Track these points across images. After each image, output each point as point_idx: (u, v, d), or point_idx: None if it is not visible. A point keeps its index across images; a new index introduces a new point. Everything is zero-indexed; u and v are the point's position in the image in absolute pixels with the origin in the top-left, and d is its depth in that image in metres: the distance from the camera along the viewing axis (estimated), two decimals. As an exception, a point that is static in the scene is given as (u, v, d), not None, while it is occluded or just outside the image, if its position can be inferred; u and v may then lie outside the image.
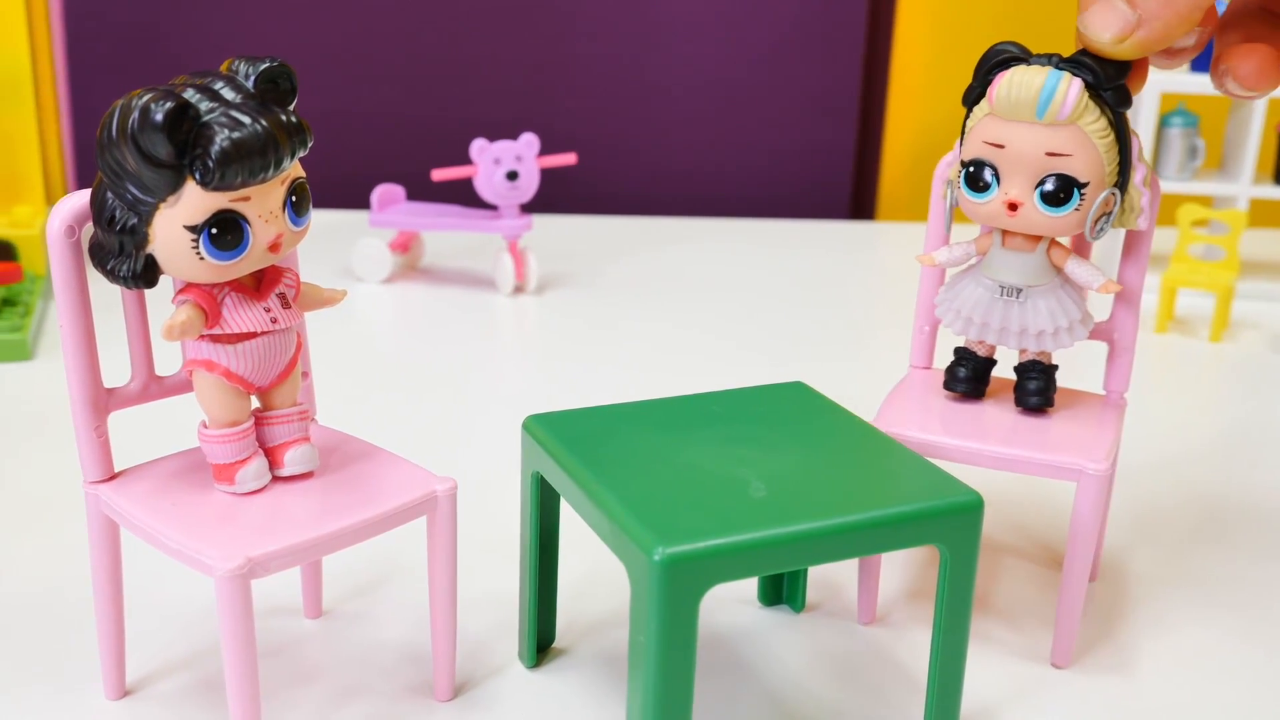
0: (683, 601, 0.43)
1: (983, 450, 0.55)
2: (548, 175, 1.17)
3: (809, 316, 1.09)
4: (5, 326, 0.91)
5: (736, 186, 1.53)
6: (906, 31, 1.50)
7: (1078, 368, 0.72)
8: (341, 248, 1.21)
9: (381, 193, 1.15)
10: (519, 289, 1.13)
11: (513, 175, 1.08)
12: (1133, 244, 0.59)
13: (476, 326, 1.05)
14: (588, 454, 0.49)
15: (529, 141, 1.09)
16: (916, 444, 0.56)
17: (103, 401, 0.49)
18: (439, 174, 1.10)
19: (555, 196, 1.46)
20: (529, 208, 1.35)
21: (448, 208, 1.15)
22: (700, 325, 1.06)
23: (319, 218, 1.37)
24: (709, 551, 0.43)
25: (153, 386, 0.51)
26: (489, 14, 1.45)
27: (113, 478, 0.50)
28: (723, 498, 0.46)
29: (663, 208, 1.50)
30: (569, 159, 1.13)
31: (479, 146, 1.08)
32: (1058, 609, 0.55)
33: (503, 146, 1.08)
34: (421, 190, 1.30)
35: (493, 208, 1.12)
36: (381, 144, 1.47)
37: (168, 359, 0.50)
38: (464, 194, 1.20)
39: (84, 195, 0.46)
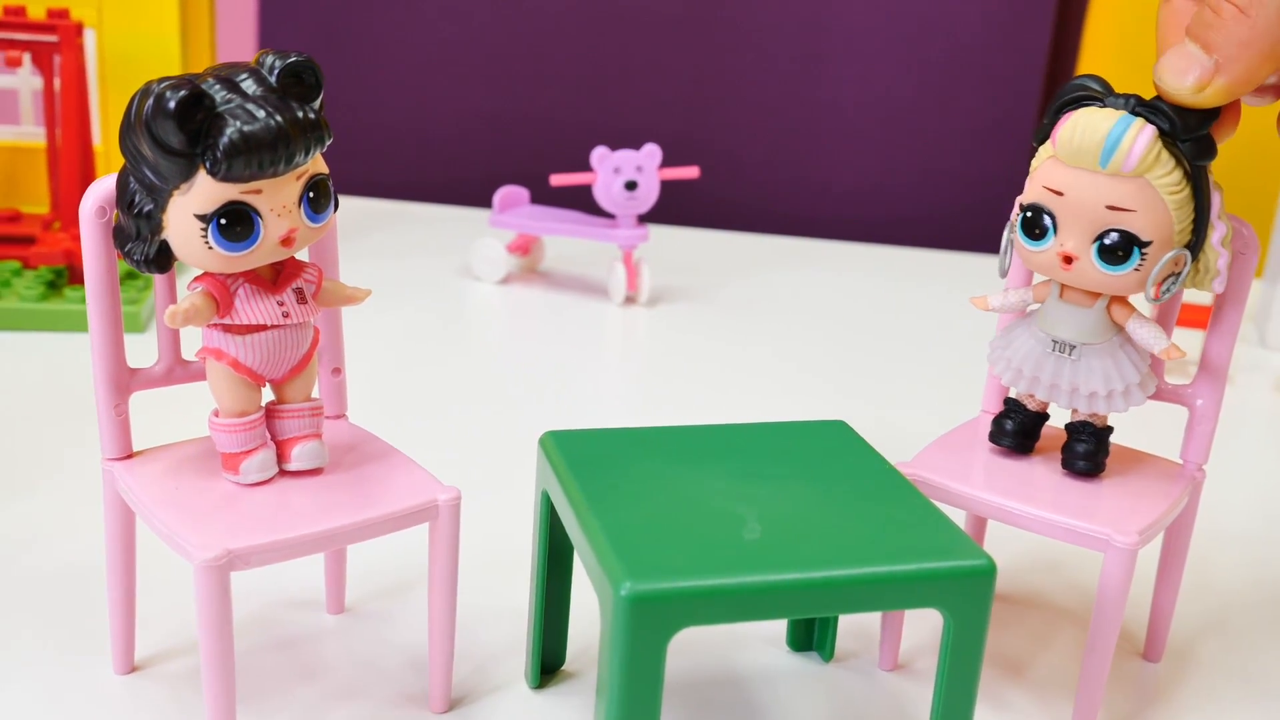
0: (648, 640, 0.41)
1: (1008, 507, 0.52)
2: (701, 186, 1.16)
3: (920, 355, 1.05)
4: (123, 299, 0.94)
5: (896, 212, 1.49)
6: (1092, 57, 1.43)
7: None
8: (463, 245, 1.22)
9: (504, 194, 1.15)
10: (630, 300, 1.12)
11: (631, 185, 1.07)
12: (1223, 309, 0.55)
13: (580, 334, 1.04)
14: (590, 477, 0.48)
15: (650, 152, 1.08)
16: (942, 492, 0.53)
17: (125, 381, 0.50)
18: (557, 179, 1.10)
19: (706, 210, 1.45)
20: (650, 217, 1.34)
21: (568, 213, 1.15)
22: (804, 352, 1.03)
23: (445, 213, 1.40)
24: (679, 592, 0.41)
25: (178, 370, 0.52)
26: (661, 24, 1.45)
27: (129, 456, 0.51)
28: (712, 536, 0.44)
29: (815, 229, 1.47)
30: (691, 172, 1.12)
31: (599, 154, 1.08)
32: (1079, 686, 0.52)
33: (623, 156, 1.08)
34: (554, 194, 1.30)
35: (612, 216, 1.12)
36: (532, 145, 1.48)
37: (196, 344, 0.51)
38: (593, 200, 1.20)
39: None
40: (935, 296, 1.22)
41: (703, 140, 1.46)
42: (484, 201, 1.42)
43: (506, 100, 1.48)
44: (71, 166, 0.98)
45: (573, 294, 1.14)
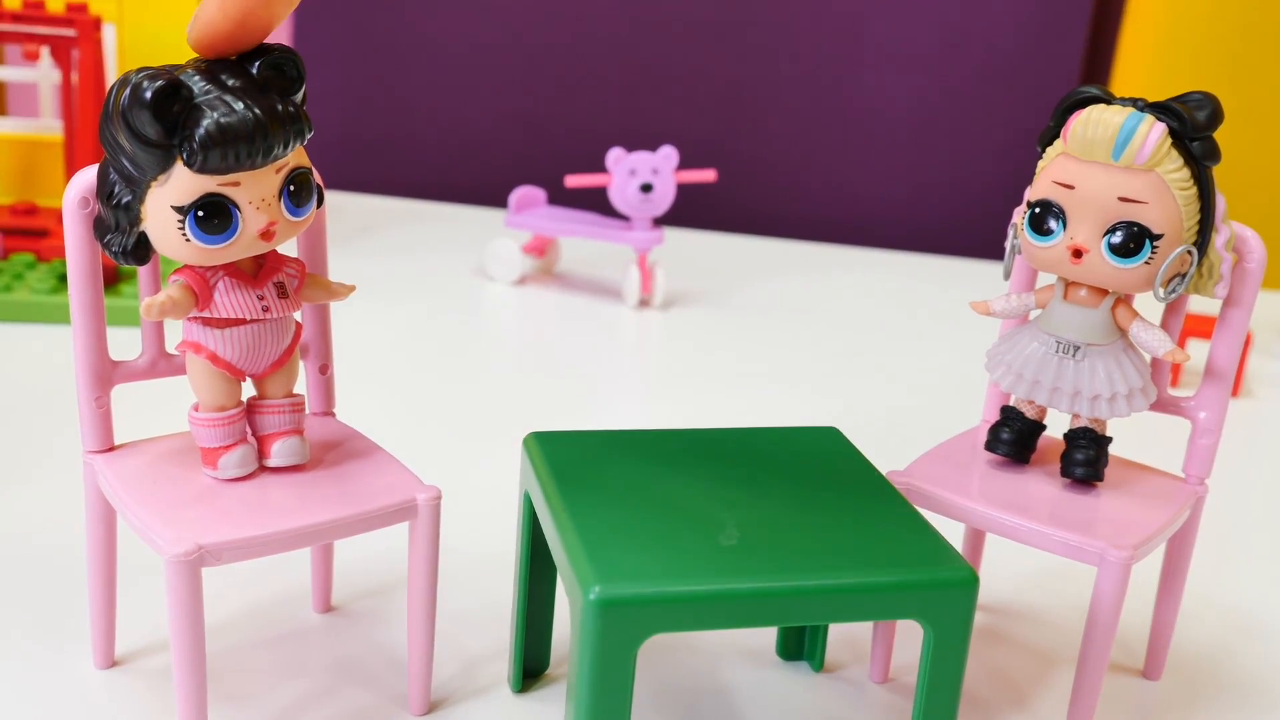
0: (617, 645, 0.40)
1: (1001, 519, 0.50)
2: (723, 191, 1.15)
3: (935, 363, 1.04)
4: (127, 294, 0.94)
5: (924, 219, 1.48)
6: (1128, 66, 1.41)
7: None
8: (479, 245, 1.22)
9: (521, 195, 1.15)
10: (644, 303, 1.12)
11: (647, 187, 1.07)
12: (1227, 316, 0.53)
13: (592, 337, 1.04)
14: (569, 479, 0.47)
15: (667, 154, 1.08)
16: (935, 502, 0.52)
17: (106, 373, 0.49)
18: (572, 180, 1.09)
19: (727, 214, 1.44)
20: (669, 221, 1.34)
21: (583, 215, 1.14)
22: (817, 359, 1.02)
23: (463, 213, 1.40)
24: (649, 597, 0.40)
25: (161, 363, 0.51)
26: (693, 30, 1.44)
27: (111, 449, 0.50)
28: (688, 541, 0.43)
29: (842, 236, 1.46)
30: (708, 175, 1.11)
31: (615, 156, 1.07)
32: (1070, 703, 0.50)
33: (639, 157, 1.07)
34: (573, 196, 1.29)
35: (627, 219, 1.11)
36: (559, 148, 1.48)
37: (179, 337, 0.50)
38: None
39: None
40: (954, 304, 1.21)
41: (730, 145, 1.46)
42: (505, 202, 1.42)
43: (535, 103, 1.48)
44: (88, 161, 0.98)
45: (587, 296, 1.13)
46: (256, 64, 0.44)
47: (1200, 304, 1.07)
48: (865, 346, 1.06)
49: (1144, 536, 0.50)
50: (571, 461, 0.49)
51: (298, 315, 0.50)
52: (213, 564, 0.44)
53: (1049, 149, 0.51)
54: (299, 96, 0.45)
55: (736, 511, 0.45)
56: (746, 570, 0.41)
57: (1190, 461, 0.55)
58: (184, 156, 0.43)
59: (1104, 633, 0.49)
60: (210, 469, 0.48)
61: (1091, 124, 0.48)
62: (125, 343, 0.51)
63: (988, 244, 1.45)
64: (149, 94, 0.42)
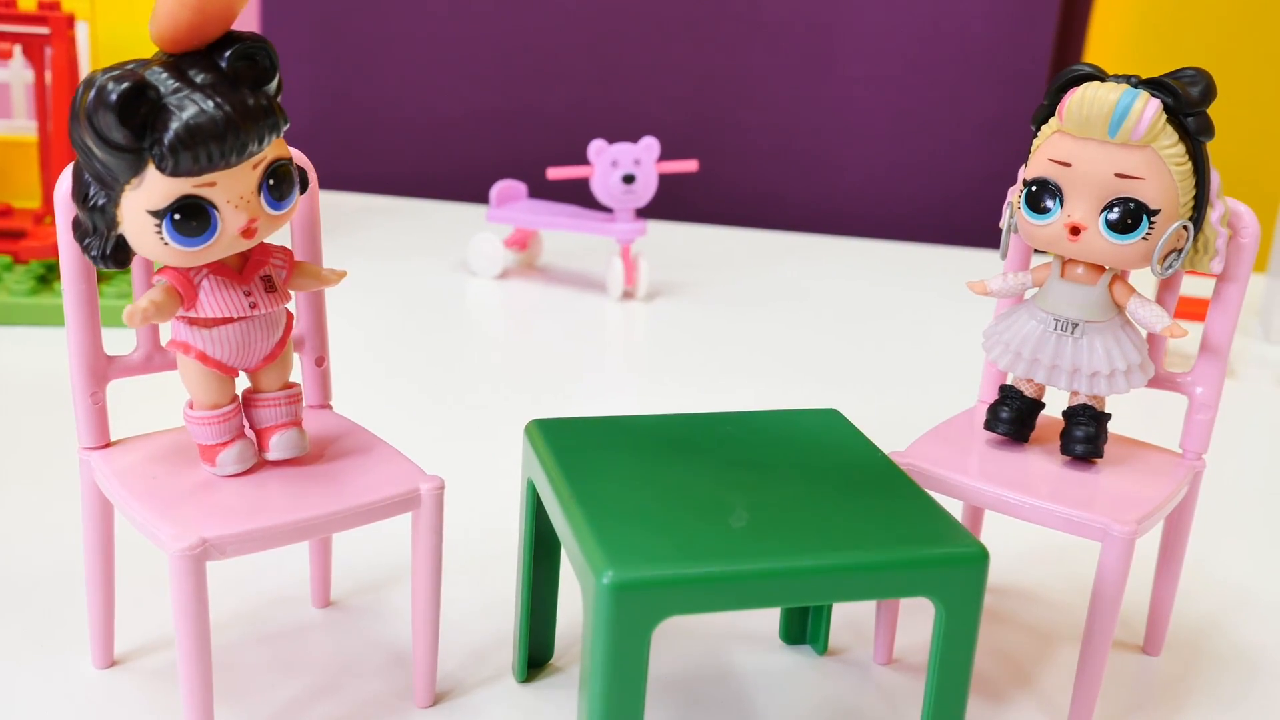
0: (631, 630, 0.40)
1: (1004, 497, 0.50)
2: (702, 181, 1.15)
3: (921, 347, 1.04)
4: (118, 293, 0.93)
5: (901, 208, 1.48)
6: (1098, 53, 1.43)
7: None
8: (460, 241, 1.21)
9: (502, 188, 1.15)
10: (628, 294, 1.11)
11: (629, 178, 1.06)
12: (1222, 291, 0.54)
13: (575, 329, 1.03)
14: (574, 465, 0.47)
15: (648, 145, 1.07)
16: (937, 481, 0.52)
17: (101, 368, 0.49)
18: (554, 172, 1.09)
19: (708, 205, 1.44)
20: (651, 213, 1.33)
21: (565, 207, 1.14)
22: (803, 347, 1.02)
23: (443, 208, 1.39)
24: (662, 580, 0.40)
25: (156, 357, 0.51)
26: (669, 21, 1.44)
27: (107, 445, 0.50)
28: (698, 524, 0.43)
29: (819, 225, 1.47)
30: (689, 165, 1.11)
31: (596, 147, 1.07)
32: (1075, 679, 0.50)
33: (621, 149, 1.07)
34: (553, 189, 1.29)
35: (610, 210, 1.11)
36: (536, 141, 1.47)
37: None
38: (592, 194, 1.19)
39: (81, 167, 0.46)
40: (938, 290, 1.21)
41: (707, 136, 1.46)
42: (484, 197, 1.42)
43: (510, 96, 1.48)
44: (63, 160, 0.97)
45: (570, 289, 1.13)
46: (226, 55, 0.43)
47: (1186, 285, 1.07)
48: (853, 333, 1.06)
49: (1146, 511, 0.50)
50: (575, 448, 0.48)
51: (290, 306, 0.49)
52: (216, 558, 0.44)
53: (1044, 127, 0.51)
54: (273, 87, 0.43)
55: (744, 493, 0.45)
56: (759, 551, 0.41)
57: (1188, 436, 0.55)
58: (155, 160, 0.41)
59: (1108, 608, 0.50)
60: (209, 465, 0.48)
61: (1087, 101, 0.48)
62: (108, 342, 0.50)
63: (967, 231, 1.45)
64: (114, 97, 0.40)
